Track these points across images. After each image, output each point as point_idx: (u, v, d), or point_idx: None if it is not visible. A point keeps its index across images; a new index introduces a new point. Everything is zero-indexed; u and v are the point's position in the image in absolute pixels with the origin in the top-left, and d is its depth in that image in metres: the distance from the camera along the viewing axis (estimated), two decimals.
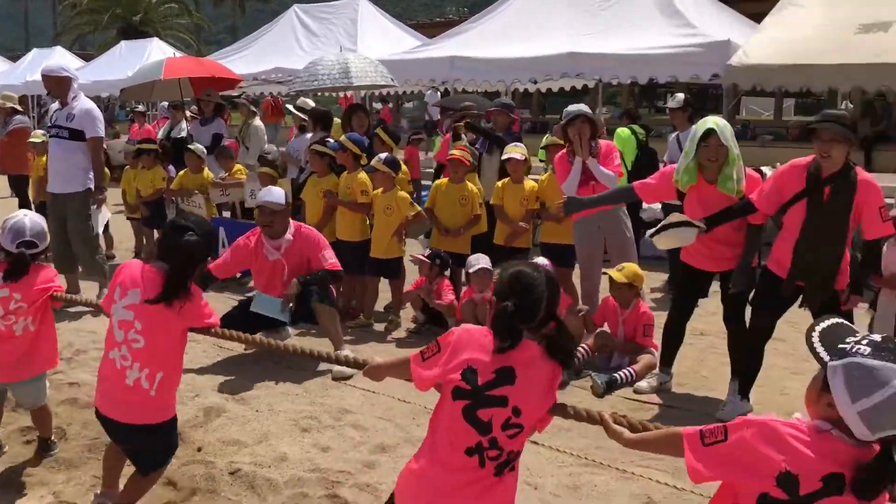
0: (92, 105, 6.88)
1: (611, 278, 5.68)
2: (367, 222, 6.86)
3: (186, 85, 10.44)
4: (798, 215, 4.50)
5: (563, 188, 6.12)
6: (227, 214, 8.80)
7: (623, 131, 8.76)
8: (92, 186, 6.87)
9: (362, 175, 6.79)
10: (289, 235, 5.77)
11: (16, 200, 10.78)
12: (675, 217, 4.74)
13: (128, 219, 9.41)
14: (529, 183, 6.89)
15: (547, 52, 11.59)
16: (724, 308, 5.07)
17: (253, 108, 10.88)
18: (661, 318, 5.54)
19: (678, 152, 7.82)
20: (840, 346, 1.93)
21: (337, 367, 5.38)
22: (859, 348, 1.90)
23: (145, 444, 3.39)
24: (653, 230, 4.90)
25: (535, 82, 13.72)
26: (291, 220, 5.88)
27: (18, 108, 11.14)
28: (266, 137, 10.52)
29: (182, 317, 3.27)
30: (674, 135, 8.30)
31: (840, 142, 4.29)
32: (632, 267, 5.73)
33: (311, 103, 9.47)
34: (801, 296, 4.64)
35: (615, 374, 5.29)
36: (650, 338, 5.63)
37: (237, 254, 5.87)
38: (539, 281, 2.49)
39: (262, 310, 5.56)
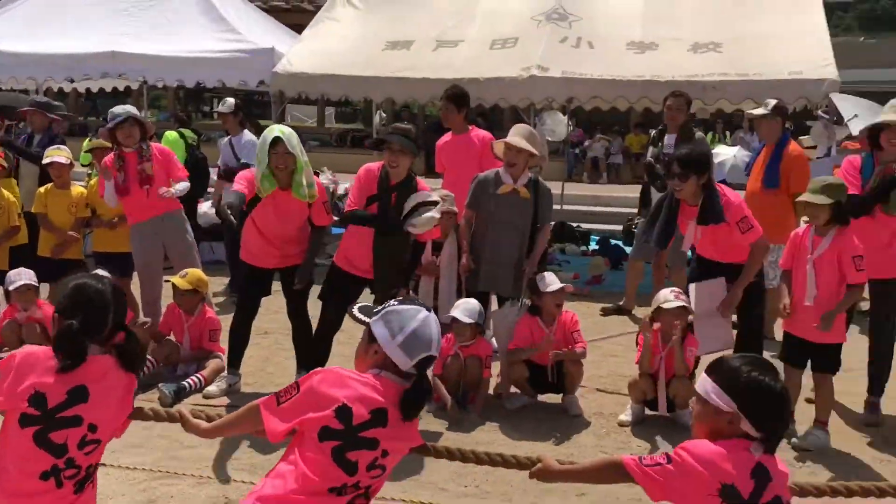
0: None
1: (174, 285, 5.55)
2: None
3: None
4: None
5: (105, 198, 5.90)
6: None
7: (171, 134, 8.59)
8: None
9: None
10: None
11: None
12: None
13: None
14: (77, 188, 6.41)
15: (85, 49, 10.83)
16: (287, 304, 5.28)
17: None
18: (225, 322, 5.57)
19: (231, 156, 7.96)
20: (375, 310, 2.48)
21: None
22: (389, 303, 2.47)
23: None
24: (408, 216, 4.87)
25: (73, 81, 12.71)
26: None
27: None
28: None
29: None
30: (226, 139, 8.36)
31: (406, 153, 4.79)
32: (195, 272, 5.67)
33: None
34: (371, 286, 5.05)
35: (183, 383, 5.20)
36: (217, 342, 5.63)
37: None
38: (104, 292, 2.45)
39: None
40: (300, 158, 4.94)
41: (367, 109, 16.20)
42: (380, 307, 2.48)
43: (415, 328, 2.38)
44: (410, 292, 5.75)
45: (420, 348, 2.38)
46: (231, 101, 8.15)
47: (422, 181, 5.05)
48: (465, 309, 5.00)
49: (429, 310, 2.46)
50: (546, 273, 5.24)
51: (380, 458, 2.34)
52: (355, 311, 2.49)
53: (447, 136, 6.86)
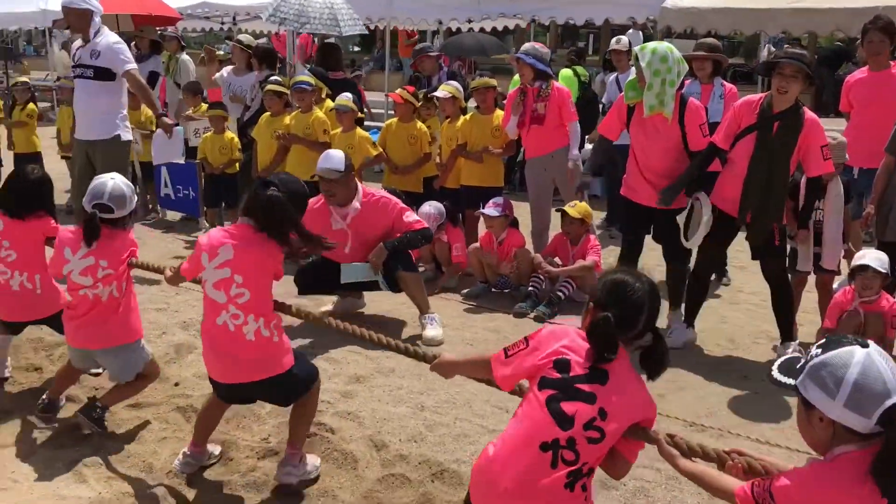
0: (116, 38, 6.29)
1: (564, 213, 5.94)
2: None
3: (126, 20, 10.06)
4: (745, 151, 4.73)
5: (507, 130, 6.40)
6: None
7: (565, 72, 8.92)
8: (122, 134, 6.34)
9: (320, 114, 6.80)
10: (356, 203, 5.23)
11: None
12: (682, 217, 4.99)
13: (62, 157, 9.20)
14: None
15: None
16: (663, 244, 5.30)
17: (183, 43, 10.59)
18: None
19: (618, 93, 8.09)
20: (797, 367, 2.02)
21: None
22: (812, 355, 1.98)
23: (280, 389, 3.40)
24: (685, 240, 5.03)
25: (471, 21, 13.71)
26: (361, 186, 5.37)
27: None
28: (195, 73, 10.24)
29: (274, 262, 3.33)
30: (613, 76, 8.52)
31: (799, 79, 4.51)
32: (583, 205, 6.00)
33: (253, 40, 9.28)
34: (748, 230, 4.90)
35: (558, 293, 5.78)
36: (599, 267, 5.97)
37: (308, 216, 5.29)
38: (642, 292, 2.39)
39: (352, 277, 5.26)
40: (653, 78, 4.91)
41: (752, 42, 15.23)
42: (800, 362, 2.01)
43: (857, 374, 1.86)
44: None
45: (873, 401, 1.85)
46: (625, 39, 8.26)
47: (810, 112, 4.66)
48: (876, 258, 4.56)
49: (864, 345, 1.92)
50: None
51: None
52: (775, 373, 2.06)
53: (861, 73, 6.27)
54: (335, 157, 5.17)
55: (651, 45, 5.07)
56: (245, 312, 3.24)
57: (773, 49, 13.26)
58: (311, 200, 5.33)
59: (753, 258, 5.04)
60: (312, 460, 3.58)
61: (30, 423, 3.99)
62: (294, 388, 3.44)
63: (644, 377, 2.43)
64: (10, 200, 4.28)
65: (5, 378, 4.48)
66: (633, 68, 5.10)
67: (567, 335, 2.43)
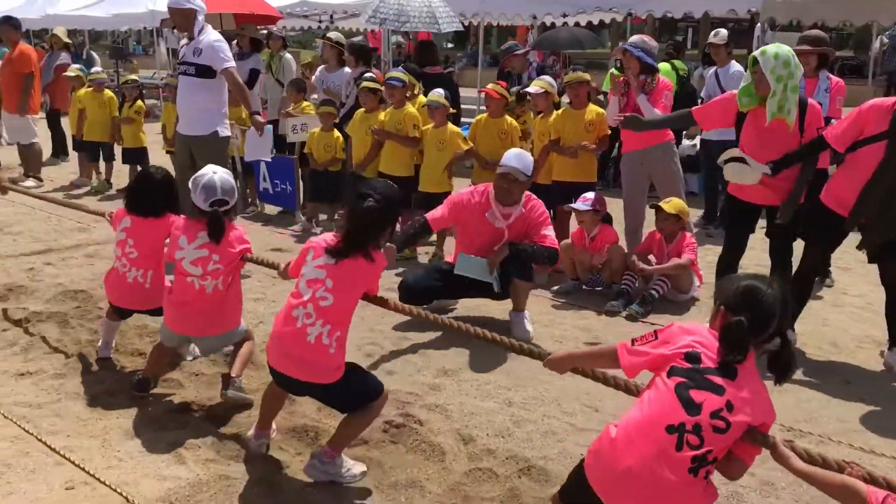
0: (218, 36, 6.40)
1: (659, 209, 5.81)
2: (413, 157, 6.96)
3: (228, 19, 10.39)
4: (871, 156, 4.47)
5: (607, 115, 6.38)
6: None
7: (664, 66, 8.72)
8: (220, 130, 6.49)
9: (412, 109, 6.86)
10: (521, 206, 5.26)
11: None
12: (740, 152, 4.86)
13: (167, 152, 9.56)
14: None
15: None
16: (770, 242, 5.14)
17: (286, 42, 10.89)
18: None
19: (716, 88, 7.88)
20: None
21: None
22: None
23: (327, 398, 3.44)
24: (723, 157, 4.98)
25: (566, 15, 13.54)
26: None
27: (69, 41, 11.55)
28: (296, 71, 10.48)
29: (369, 280, 3.36)
30: (712, 70, 8.29)
31: None
32: (678, 201, 5.86)
33: (342, 37, 9.42)
34: (862, 236, 4.65)
35: (651, 291, 5.66)
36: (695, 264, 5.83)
37: (457, 209, 5.35)
38: (775, 298, 2.43)
39: (466, 271, 5.16)
40: (776, 84, 4.69)
41: (863, 34, 14.53)
42: None
43: None
44: None
45: None
46: (724, 32, 8.05)
47: None
48: None
49: None
50: None
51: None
52: None
53: None
54: (527, 160, 5.20)
55: (771, 49, 4.80)
56: (318, 315, 3.25)
57: (885, 41, 12.62)
58: (466, 193, 5.35)
59: (870, 262, 4.78)
60: (356, 467, 3.46)
61: (134, 405, 4.16)
62: (344, 400, 3.41)
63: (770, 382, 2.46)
64: (140, 201, 4.44)
65: (107, 358, 4.70)
66: (748, 73, 4.87)
67: (699, 332, 2.50)
